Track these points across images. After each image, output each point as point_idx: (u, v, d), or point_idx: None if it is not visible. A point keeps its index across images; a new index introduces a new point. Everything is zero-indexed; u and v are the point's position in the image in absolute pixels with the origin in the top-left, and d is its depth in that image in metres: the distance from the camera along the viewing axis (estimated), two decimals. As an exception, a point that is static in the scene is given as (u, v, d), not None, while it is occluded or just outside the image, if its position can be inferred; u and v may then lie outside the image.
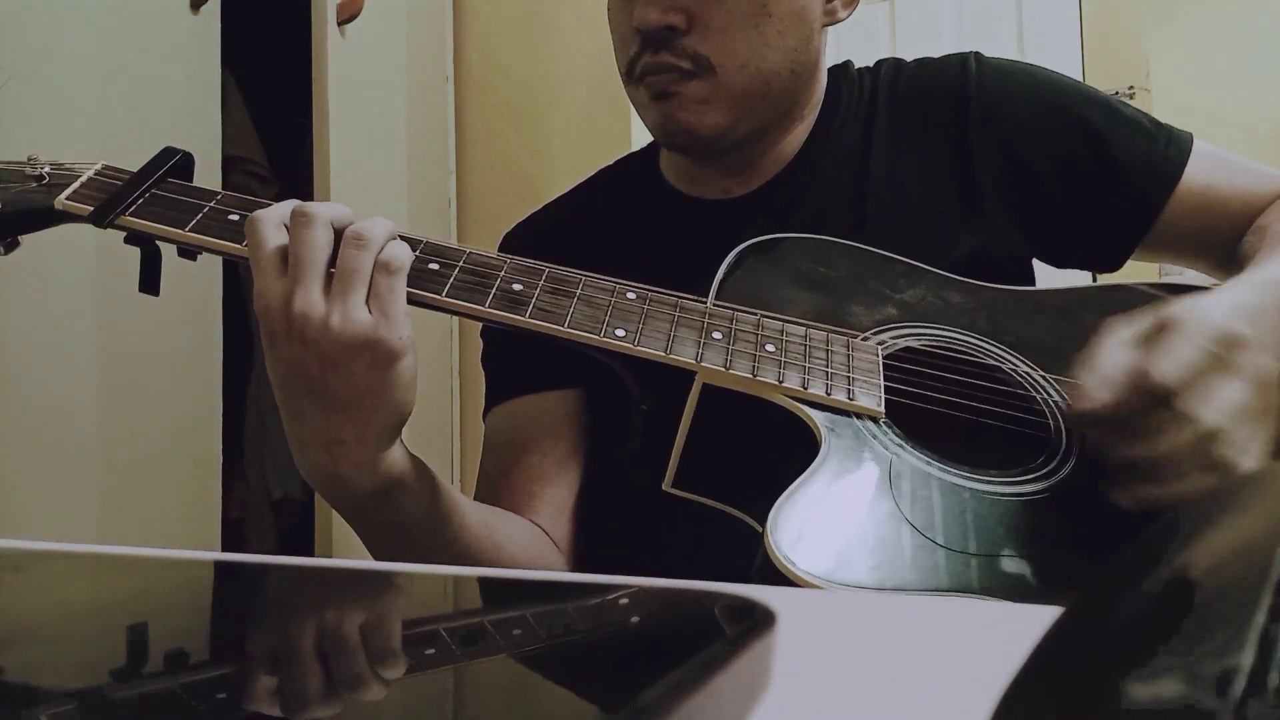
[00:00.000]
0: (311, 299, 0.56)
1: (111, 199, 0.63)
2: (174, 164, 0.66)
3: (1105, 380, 0.57)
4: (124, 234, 0.63)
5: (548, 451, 0.81)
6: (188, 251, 0.63)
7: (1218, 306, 0.59)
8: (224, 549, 1.47)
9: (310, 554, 1.69)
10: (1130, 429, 0.56)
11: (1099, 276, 0.95)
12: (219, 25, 1.45)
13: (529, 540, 0.75)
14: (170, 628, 0.27)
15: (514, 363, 0.84)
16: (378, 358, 0.57)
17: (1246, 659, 0.14)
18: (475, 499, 0.81)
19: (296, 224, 0.58)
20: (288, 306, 0.56)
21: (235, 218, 0.62)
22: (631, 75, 0.76)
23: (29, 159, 0.65)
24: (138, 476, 1.28)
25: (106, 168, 0.65)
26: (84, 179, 0.64)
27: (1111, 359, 0.58)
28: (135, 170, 0.65)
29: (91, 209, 0.63)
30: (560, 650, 0.24)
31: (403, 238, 0.61)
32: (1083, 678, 0.16)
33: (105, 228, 0.63)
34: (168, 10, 1.37)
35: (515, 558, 0.72)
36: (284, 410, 0.61)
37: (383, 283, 0.57)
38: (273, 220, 0.59)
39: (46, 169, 0.65)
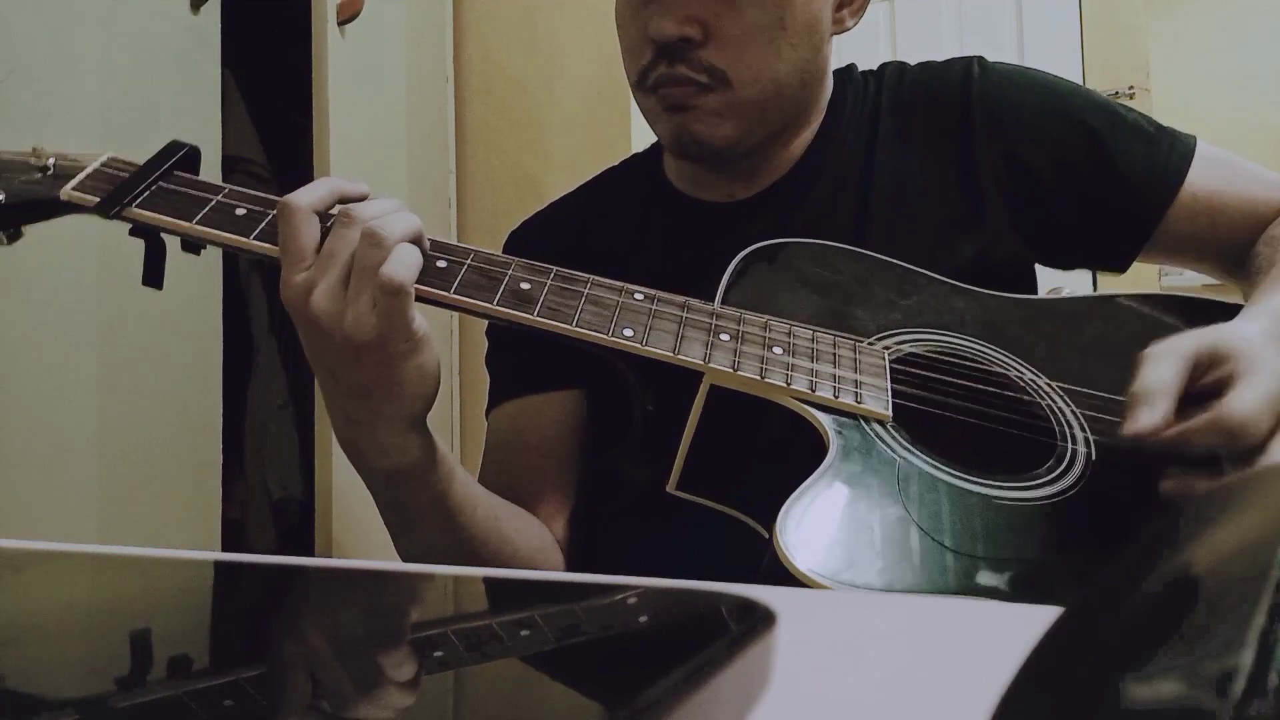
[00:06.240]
0: (332, 295, 0.58)
1: (118, 190, 0.63)
2: (180, 157, 0.65)
3: (1159, 400, 0.56)
4: (129, 226, 0.63)
5: (547, 452, 0.81)
6: (192, 245, 0.63)
7: (1265, 339, 0.59)
8: (224, 549, 1.47)
9: (310, 554, 1.69)
10: (1193, 459, 0.56)
11: (1101, 278, 0.95)
12: (219, 25, 1.45)
13: (536, 537, 0.76)
14: (170, 628, 0.27)
15: (516, 363, 0.84)
16: (385, 356, 0.59)
17: (1246, 659, 0.14)
18: None
19: (340, 224, 0.59)
20: (308, 298, 0.58)
21: (242, 212, 0.62)
22: (643, 85, 0.76)
23: (34, 150, 0.65)
24: (138, 476, 1.28)
25: (112, 159, 0.65)
26: (90, 170, 0.64)
27: (1162, 380, 0.57)
28: (141, 163, 0.65)
29: (97, 200, 0.62)
30: (562, 650, 0.24)
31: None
32: (1083, 678, 0.16)
33: (111, 219, 0.62)
34: (168, 10, 1.37)
35: (519, 552, 0.73)
36: (325, 394, 0.64)
37: (382, 300, 0.57)
38: (305, 209, 0.59)
39: (52, 160, 0.65)
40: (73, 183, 0.63)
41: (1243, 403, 0.55)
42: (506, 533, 0.71)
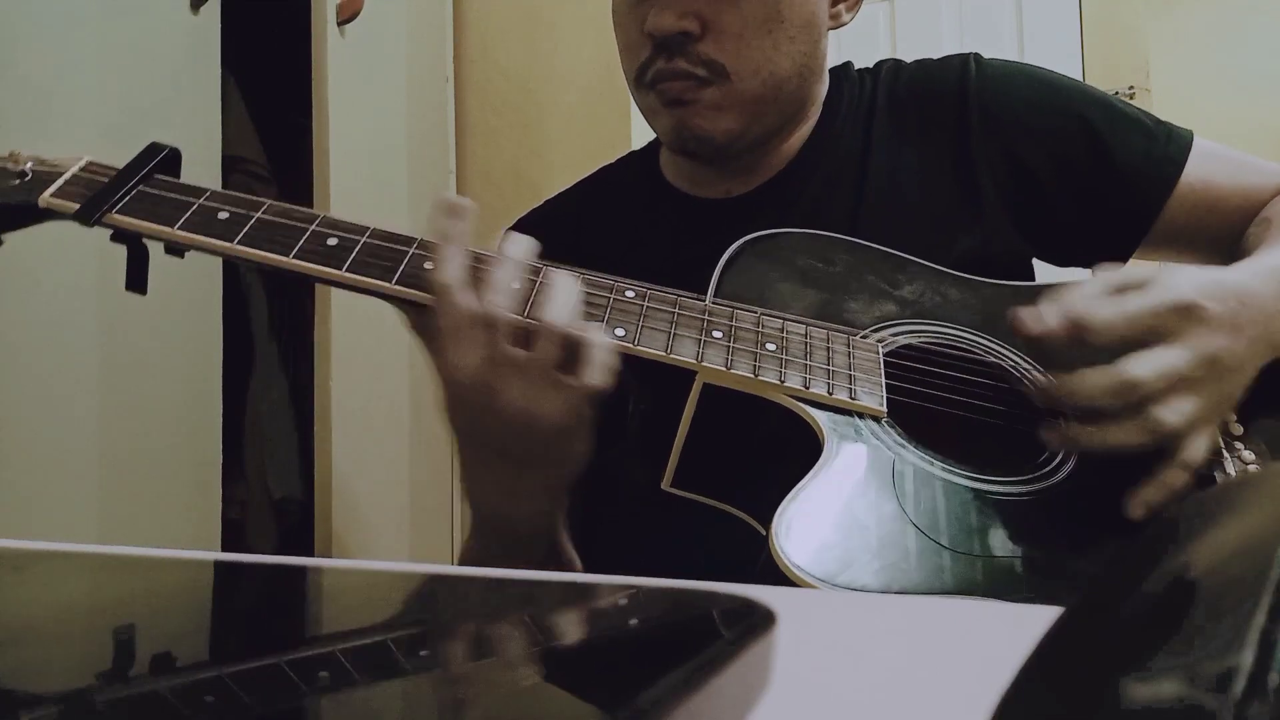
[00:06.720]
0: (507, 377, 0.58)
1: (97, 196, 0.61)
2: (160, 160, 0.64)
3: (1052, 311, 0.59)
4: (110, 232, 0.61)
5: None
6: (175, 249, 0.61)
7: (1195, 280, 0.60)
8: (224, 549, 1.47)
9: (310, 554, 1.69)
10: (1056, 365, 0.58)
11: (1099, 276, 0.95)
12: (219, 25, 1.45)
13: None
14: (169, 629, 0.27)
15: None
16: (564, 432, 0.60)
17: (1246, 659, 0.14)
18: None
19: (538, 332, 0.58)
20: (484, 378, 0.57)
21: (225, 216, 0.61)
22: (642, 81, 0.76)
23: (10, 154, 0.63)
24: (138, 476, 1.28)
25: (91, 164, 0.63)
26: (68, 175, 0.62)
27: (1072, 296, 0.60)
28: (121, 166, 0.63)
29: (77, 206, 0.61)
30: (561, 650, 0.24)
31: (392, 234, 0.62)
32: (1083, 678, 0.16)
33: (91, 226, 0.60)
34: (168, 10, 1.37)
35: (576, 566, 0.75)
36: (467, 456, 0.64)
37: (577, 389, 0.58)
38: (463, 281, 0.58)
39: (29, 165, 0.62)
40: (51, 189, 0.61)
41: (1102, 305, 0.58)
42: (572, 553, 0.73)
